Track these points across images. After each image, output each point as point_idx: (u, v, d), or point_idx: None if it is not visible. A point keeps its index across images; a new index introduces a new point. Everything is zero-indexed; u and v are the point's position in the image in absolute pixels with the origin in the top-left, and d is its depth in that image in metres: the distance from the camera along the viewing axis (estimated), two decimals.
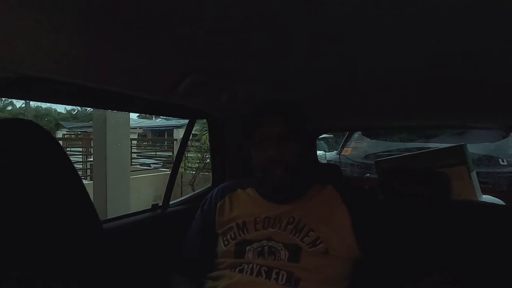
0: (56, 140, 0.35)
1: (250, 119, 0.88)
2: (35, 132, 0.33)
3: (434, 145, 2.03)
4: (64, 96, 0.77)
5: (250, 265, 0.78)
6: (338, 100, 1.12)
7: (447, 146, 1.48)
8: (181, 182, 5.16)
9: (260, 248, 0.79)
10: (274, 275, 0.75)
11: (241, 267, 0.78)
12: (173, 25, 0.51)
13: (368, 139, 3.07)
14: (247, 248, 0.80)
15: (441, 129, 2.29)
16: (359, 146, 3.09)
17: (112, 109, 1.06)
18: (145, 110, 1.08)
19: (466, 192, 1.35)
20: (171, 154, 6.91)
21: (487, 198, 1.41)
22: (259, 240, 0.81)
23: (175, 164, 1.23)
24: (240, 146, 1.29)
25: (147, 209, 1.11)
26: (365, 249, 0.81)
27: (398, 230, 0.88)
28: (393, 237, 0.86)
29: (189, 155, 5.85)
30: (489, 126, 1.58)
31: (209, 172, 5.45)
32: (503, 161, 2.34)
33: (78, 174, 0.35)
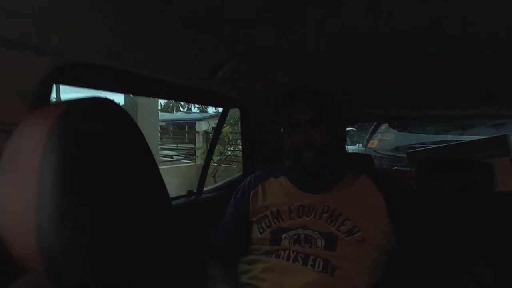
0: (132, 119, 0.36)
1: (280, 105, 0.89)
2: (113, 109, 0.34)
3: (472, 137, 1.91)
4: (109, 82, 0.80)
5: (287, 252, 0.78)
6: (367, 89, 1.09)
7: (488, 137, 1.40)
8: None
9: (296, 236, 0.80)
10: (310, 262, 0.76)
11: (277, 253, 0.79)
12: (215, 13, 0.52)
13: (395, 131, 2.98)
14: (283, 235, 0.81)
15: (478, 120, 2.16)
16: (386, 139, 3.00)
17: (154, 96, 1.09)
18: (183, 98, 1.11)
19: (509, 185, 1.28)
20: (193, 146, 7.02)
21: None
22: (295, 228, 0.81)
23: (209, 153, 1.26)
24: (270, 134, 1.30)
25: (183, 195, 1.14)
26: (402, 238, 0.80)
27: (435, 220, 0.86)
28: (430, 227, 0.84)
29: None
30: None
31: (230, 164, 5.53)
32: None
33: (152, 153, 0.37)
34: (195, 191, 1.18)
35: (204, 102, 1.09)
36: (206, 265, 0.89)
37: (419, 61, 0.76)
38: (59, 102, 0.35)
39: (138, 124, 0.37)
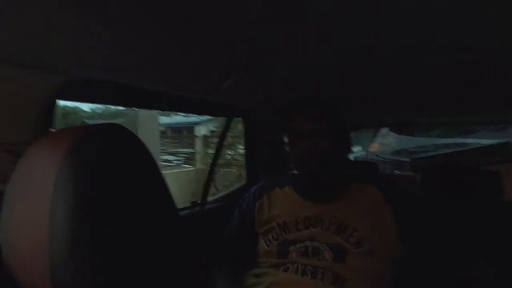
0: (142, 142, 0.36)
1: (285, 114, 0.88)
2: (125, 135, 0.34)
3: (474, 140, 1.91)
4: (112, 96, 0.79)
5: (295, 265, 0.77)
6: (370, 96, 1.09)
7: (490, 142, 1.41)
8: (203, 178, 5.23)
9: (303, 249, 0.79)
10: (319, 275, 0.75)
11: (285, 266, 0.78)
12: (221, 25, 0.51)
13: (396, 134, 2.98)
14: (291, 248, 0.80)
15: (479, 125, 2.16)
16: (386, 142, 3.00)
17: (158, 109, 1.08)
18: (187, 109, 1.11)
19: None
20: (192, 150, 7.02)
21: None
22: (302, 240, 0.80)
23: (213, 163, 1.25)
24: (273, 142, 1.29)
25: (187, 206, 1.14)
26: (410, 248, 0.79)
27: (441, 226, 0.86)
28: (436, 235, 0.84)
29: (209, 151, 5.93)
30: None
31: (230, 169, 5.53)
32: None
33: (163, 175, 0.37)
34: (199, 201, 1.18)
35: (208, 112, 1.09)
36: (206, 266, 0.88)
37: (421, 68, 0.76)
38: (69, 128, 0.35)
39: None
